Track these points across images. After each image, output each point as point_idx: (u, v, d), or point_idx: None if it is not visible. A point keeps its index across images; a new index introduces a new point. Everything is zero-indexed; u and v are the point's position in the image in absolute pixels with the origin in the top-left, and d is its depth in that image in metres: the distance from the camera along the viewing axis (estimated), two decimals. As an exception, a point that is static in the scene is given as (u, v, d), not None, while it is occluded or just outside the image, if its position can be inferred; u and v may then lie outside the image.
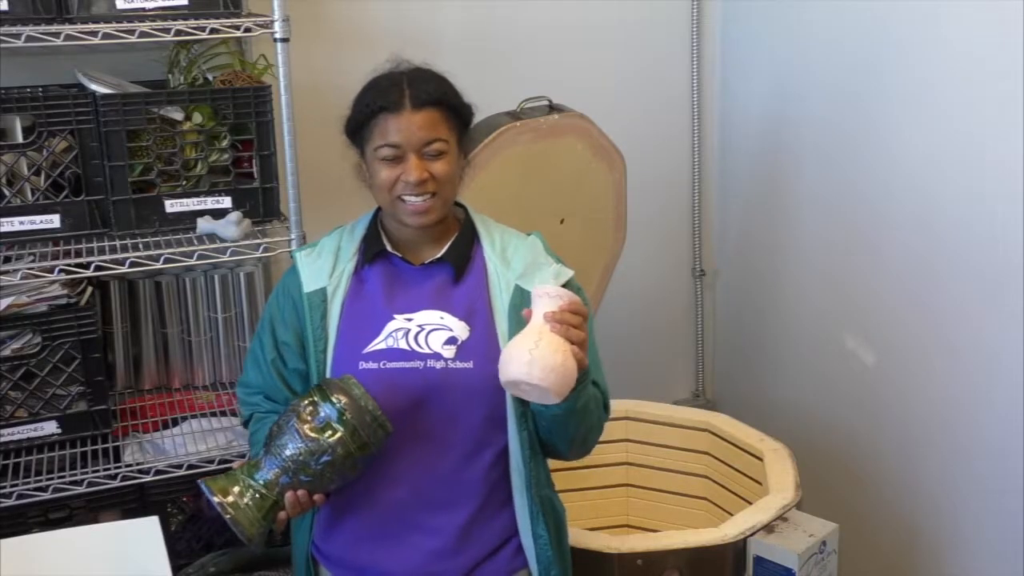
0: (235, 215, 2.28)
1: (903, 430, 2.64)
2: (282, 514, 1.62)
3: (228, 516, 1.56)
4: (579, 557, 1.98)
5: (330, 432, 1.58)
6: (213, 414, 2.47)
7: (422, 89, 1.71)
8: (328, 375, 1.75)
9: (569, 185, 2.67)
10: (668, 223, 3.31)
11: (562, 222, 2.67)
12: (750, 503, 2.37)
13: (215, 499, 1.57)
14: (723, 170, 3.30)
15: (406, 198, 1.71)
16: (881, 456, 2.72)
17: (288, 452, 1.59)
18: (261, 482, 1.60)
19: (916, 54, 2.48)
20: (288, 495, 1.60)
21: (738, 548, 2.17)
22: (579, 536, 2.14)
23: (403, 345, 1.73)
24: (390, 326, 1.74)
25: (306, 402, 1.61)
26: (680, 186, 3.30)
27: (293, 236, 2.32)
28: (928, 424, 2.56)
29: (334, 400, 1.60)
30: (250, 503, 1.58)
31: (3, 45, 2.04)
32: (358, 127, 1.75)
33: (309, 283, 1.77)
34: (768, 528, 2.21)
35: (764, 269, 3.16)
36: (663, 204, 3.28)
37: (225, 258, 2.26)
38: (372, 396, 1.62)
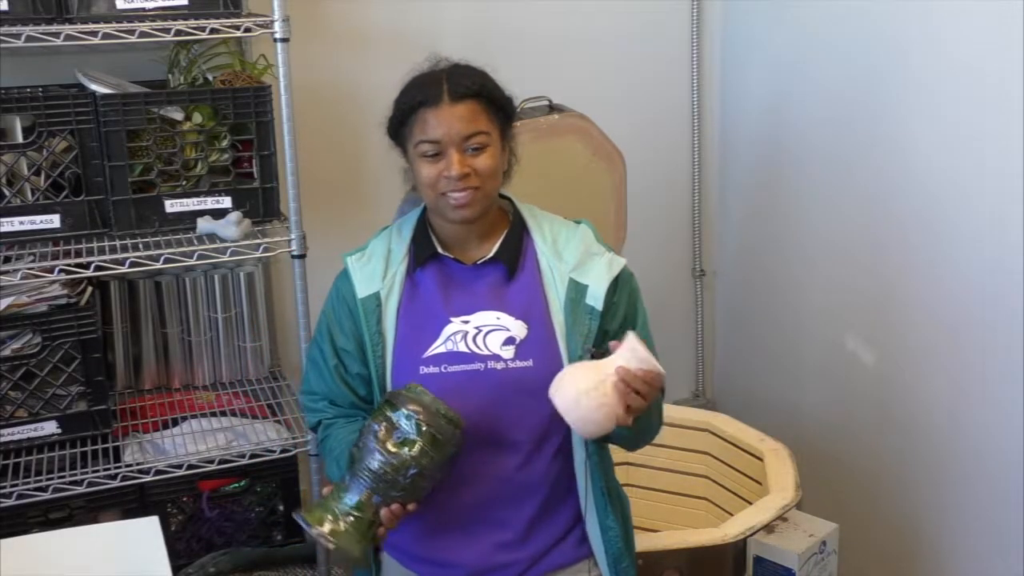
0: (235, 215, 2.28)
1: (903, 430, 2.64)
2: (381, 529, 1.62)
3: (332, 544, 1.58)
4: (579, 557, 1.98)
5: (411, 445, 1.58)
6: (213, 414, 2.47)
7: (460, 82, 1.69)
8: (388, 379, 1.74)
9: (569, 185, 2.67)
10: (668, 223, 3.31)
11: (562, 222, 2.67)
12: (750, 503, 2.37)
13: (315, 530, 1.58)
14: (723, 170, 3.30)
15: (449, 193, 1.68)
16: (881, 456, 2.72)
17: (375, 473, 1.59)
18: (354, 504, 1.60)
19: (916, 54, 2.48)
20: (384, 512, 1.61)
21: (738, 548, 2.17)
22: (579, 536, 2.14)
23: (462, 348, 1.72)
24: (448, 329, 1.73)
25: (380, 419, 1.61)
26: (680, 186, 3.30)
27: (293, 236, 2.32)
28: (928, 424, 2.56)
29: (408, 412, 1.59)
30: (349, 528, 1.59)
31: (3, 45, 2.04)
32: (399, 125, 1.73)
33: (362, 288, 1.76)
34: (768, 528, 2.21)
35: (764, 269, 3.15)
36: (663, 204, 3.28)
37: (225, 258, 2.25)
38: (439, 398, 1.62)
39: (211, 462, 2.30)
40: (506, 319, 1.73)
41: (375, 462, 1.58)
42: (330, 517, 1.59)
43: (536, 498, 1.76)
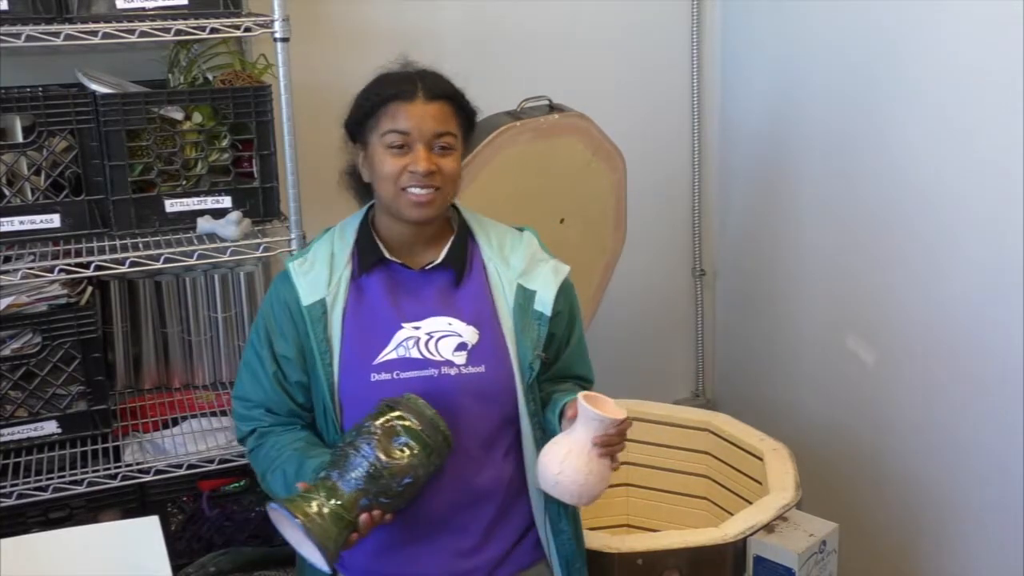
0: (235, 215, 2.28)
1: (903, 430, 2.64)
2: (354, 536, 1.58)
3: (305, 529, 1.51)
4: (579, 557, 1.98)
5: (411, 454, 1.57)
6: (213, 414, 2.47)
7: (435, 83, 1.72)
8: (337, 387, 1.73)
9: (569, 185, 2.67)
10: (668, 223, 3.31)
11: (562, 222, 2.67)
12: (750, 503, 2.37)
13: (294, 518, 1.51)
14: (723, 170, 3.30)
15: (411, 189, 1.69)
16: (881, 456, 2.72)
17: (370, 474, 1.56)
18: (340, 503, 1.55)
19: (915, 55, 2.48)
20: (363, 517, 1.57)
21: (738, 548, 2.17)
22: (579, 536, 2.14)
23: (415, 354, 1.71)
24: (399, 335, 1.73)
25: (379, 422, 1.59)
26: (680, 186, 3.30)
27: (293, 236, 2.32)
28: (928, 424, 2.56)
29: (410, 420, 1.58)
30: (327, 520, 1.53)
31: (3, 45, 2.04)
32: (364, 117, 1.73)
33: (307, 295, 1.74)
34: (768, 528, 2.21)
35: (764, 269, 3.16)
36: (663, 204, 3.28)
37: (225, 258, 2.25)
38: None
39: (211, 462, 2.31)
40: (457, 324, 1.73)
41: (372, 464, 1.56)
42: (312, 508, 1.54)
43: (493, 501, 1.76)
